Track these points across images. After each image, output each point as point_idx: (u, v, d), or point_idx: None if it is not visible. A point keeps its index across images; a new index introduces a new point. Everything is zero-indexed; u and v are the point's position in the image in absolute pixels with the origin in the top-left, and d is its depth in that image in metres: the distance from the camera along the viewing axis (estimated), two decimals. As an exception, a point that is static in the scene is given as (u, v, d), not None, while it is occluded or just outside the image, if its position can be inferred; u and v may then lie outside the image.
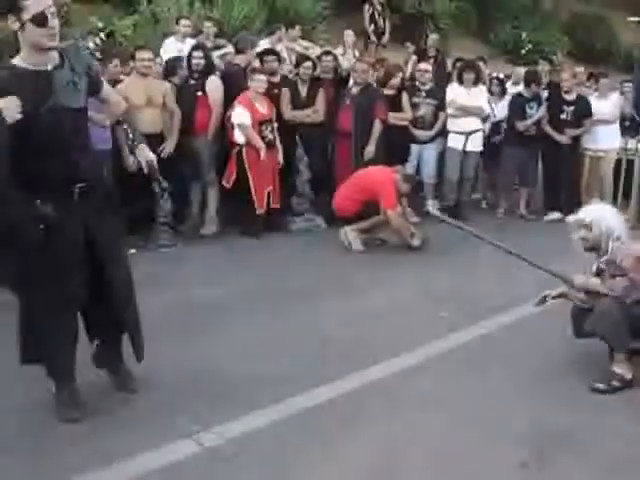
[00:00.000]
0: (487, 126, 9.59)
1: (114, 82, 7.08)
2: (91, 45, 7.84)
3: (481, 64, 10.55)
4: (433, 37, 11.47)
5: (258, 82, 7.85)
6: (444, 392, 4.22)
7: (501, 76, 10.23)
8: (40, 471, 3.35)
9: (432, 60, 10.77)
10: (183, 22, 9.15)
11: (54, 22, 3.53)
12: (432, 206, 9.08)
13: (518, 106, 9.37)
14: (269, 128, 7.92)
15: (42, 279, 3.66)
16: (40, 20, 3.48)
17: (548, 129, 9.30)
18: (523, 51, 15.74)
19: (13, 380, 4.11)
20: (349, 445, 3.61)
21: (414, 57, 11.22)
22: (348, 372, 4.43)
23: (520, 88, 9.63)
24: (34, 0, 3.45)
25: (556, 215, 9.00)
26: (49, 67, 3.62)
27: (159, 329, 4.56)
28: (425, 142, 9.15)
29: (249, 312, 5.47)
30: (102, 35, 7.80)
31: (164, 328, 4.82)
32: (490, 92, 9.74)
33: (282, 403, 4.01)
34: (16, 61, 3.61)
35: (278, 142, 8.06)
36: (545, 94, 9.60)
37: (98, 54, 7.74)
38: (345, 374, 4.40)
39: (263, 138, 7.83)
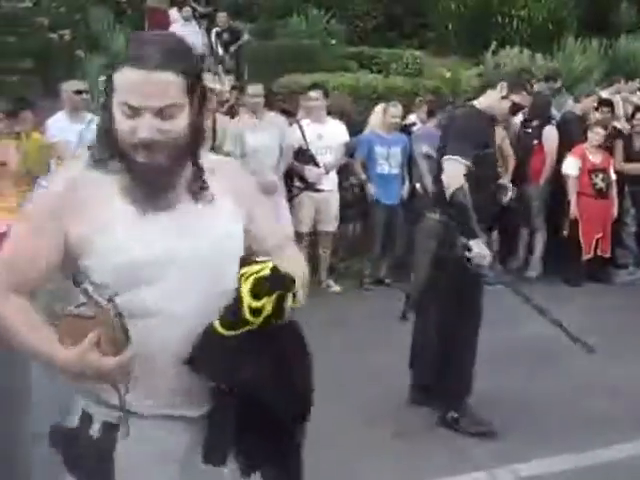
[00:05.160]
0: None
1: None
2: None
3: None
4: None
5: (595, 135, 8.18)
6: None
7: None
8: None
9: None
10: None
11: None
12: None
13: None
14: (600, 177, 8.16)
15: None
16: None
17: None
18: None
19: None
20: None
21: None
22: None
23: None
24: None
25: None
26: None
27: (488, 360, 4.72)
28: None
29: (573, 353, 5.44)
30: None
31: (491, 360, 4.91)
32: None
33: (589, 452, 4.05)
34: (475, 102, 4.52)
35: (614, 193, 8.26)
36: None
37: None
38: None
39: (594, 186, 8.11)
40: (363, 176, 7.73)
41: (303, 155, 7.35)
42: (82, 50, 11.89)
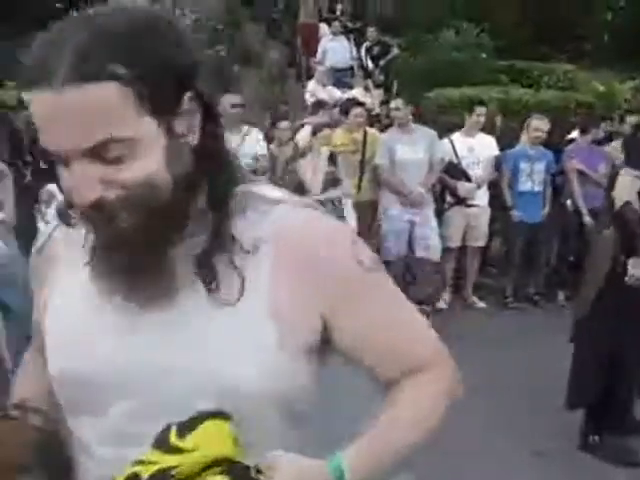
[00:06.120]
0: None
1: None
2: None
3: None
4: None
5: None
6: None
7: None
8: None
9: None
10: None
11: None
12: None
13: None
14: None
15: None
16: None
17: None
18: None
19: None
20: None
21: None
22: None
23: None
24: None
25: None
26: None
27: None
28: None
29: None
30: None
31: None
32: None
33: None
34: None
35: None
36: None
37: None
38: None
39: None
40: (508, 193, 7.59)
41: (454, 169, 7.37)
42: (236, 65, 12.37)
